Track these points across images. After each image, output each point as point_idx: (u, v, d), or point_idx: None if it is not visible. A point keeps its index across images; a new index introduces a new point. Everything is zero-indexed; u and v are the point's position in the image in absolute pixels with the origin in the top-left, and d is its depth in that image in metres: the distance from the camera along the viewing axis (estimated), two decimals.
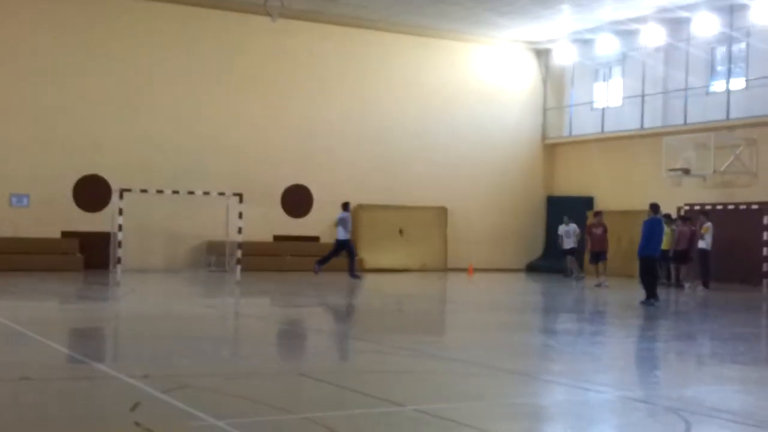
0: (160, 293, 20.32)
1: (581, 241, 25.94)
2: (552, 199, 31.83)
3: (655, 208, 18.19)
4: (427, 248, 29.92)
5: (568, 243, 26.48)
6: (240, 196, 25.39)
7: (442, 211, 30.46)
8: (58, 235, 25.64)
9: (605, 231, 24.24)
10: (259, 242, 27.43)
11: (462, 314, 17.42)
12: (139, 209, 25.26)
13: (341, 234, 24.10)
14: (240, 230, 24.98)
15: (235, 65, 27.95)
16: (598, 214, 24.93)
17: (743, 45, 26.62)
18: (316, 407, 7.38)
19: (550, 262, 29.76)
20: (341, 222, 24.13)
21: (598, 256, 23.85)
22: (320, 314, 16.88)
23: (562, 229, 26.67)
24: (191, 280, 23.56)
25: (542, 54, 32.53)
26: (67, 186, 25.77)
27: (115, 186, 25.23)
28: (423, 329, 14.26)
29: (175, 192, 25.52)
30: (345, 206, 24.33)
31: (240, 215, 25.02)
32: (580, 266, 26.56)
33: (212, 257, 26.82)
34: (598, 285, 22.87)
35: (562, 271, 27.59)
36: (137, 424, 6.64)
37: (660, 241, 18.42)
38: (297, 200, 28.66)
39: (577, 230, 26.41)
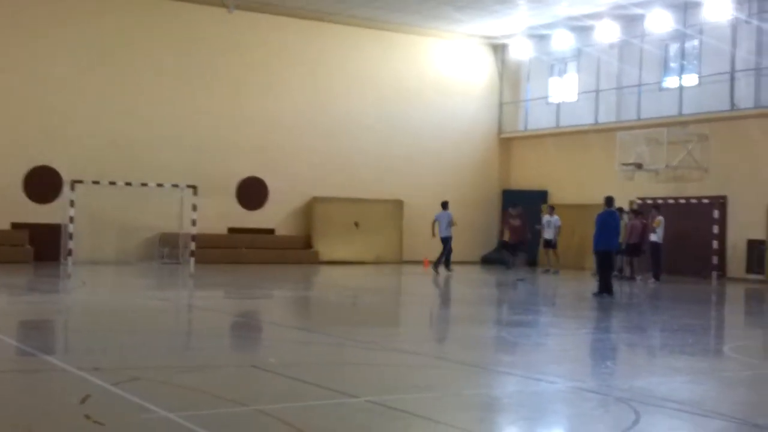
0: (112, 285, 20.09)
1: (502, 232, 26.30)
2: (507, 192, 32.03)
3: (609, 201, 18.30)
4: (383, 241, 29.94)
5: (548, 233, 26.78)
6: (194, 188, 25.20)
7: (398, 204, 30.49)
8: (7, 226, 25.19)
9: (524, 223, 24.58)
10: (214, 234, 27.24)
11: (417, 307, 17.46)
12: (91, 201, 24.97)
13: (442, 231, 25.50)
14: (194, 222, 24.79)
15: (191, 56, 27.67)
16: (515, 206, 25.22)
17: (696, 42, 26.99)
18: (268, 399, 7.36)
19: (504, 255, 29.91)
20: (441, 219, 25.61)
21: (515, 247, 24.07)
22: (275, 307, 16.81)
23: (545, 219, 26.97)
24: (144, 273, 23.32)
25: (498, 49, 32.69)
26: (17, 177, 25.33)
27: (66, 177, 24.90)
28: (377, 322, 14.27)
29: (128, 184, 25.27)
30: (444, 205, 26.04)
31: (194, 207, 24.82)
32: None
33: (165, 249, 26.56)
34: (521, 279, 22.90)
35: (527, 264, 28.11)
36: (87, 417, 6.57)
37: (615, 234, 18.48)
38: (252, 192, 28.49)
39: (559, 222, 26.73)
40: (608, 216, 18.07)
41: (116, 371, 8.26)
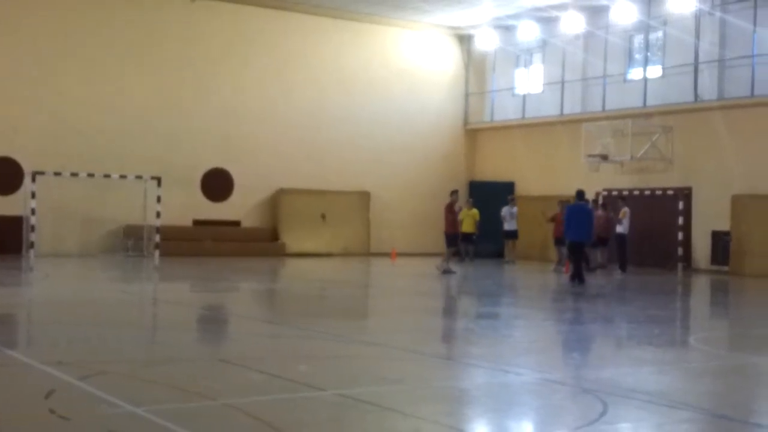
0: (75, 278, 19.85)
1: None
2: (474, 183, 32.10)
3: (580, 194, 19.00)
4: (350, 233, 29.88)
5: (510, 225, 26.87)
6: (158, 179, 24.95)
7: (365, 196, 30.44)
8: None
9: (453, 213, 22.80)
10: (178, 227, 26.99)
11: (385, 299, 17.45)
12: (52, 192, 24.65)
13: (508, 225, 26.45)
14: (158, 214, 24.56)
15: (154, 46, 27.37)
16: (454, 193, 23.39)
17: (660, 33, 27.20)
18: (236, 393, 7.29)
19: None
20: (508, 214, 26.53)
21: (455, 239, 22.86)
22: (241, 300, 16.71)
23: (505, 210, 27.03)
24: (108, 265, 23.07)
25: (464, 40, 32.71)
26: None
27: (27, 168, 24.51)
28: (345, 314, 14.23)
29: (91, 175, 24.96)
30: (511, 200, 26.91)
31: (158, 199, 24.59)
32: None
33: (129, 242, 26.28)
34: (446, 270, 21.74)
35: (492, 256, 28.20)
36: (52, 411, 6.50)
37: (585, 225, 18.78)
38: (217, 184, 28.23)
39: (516, 212, 26.89)
40: (579, 208, 18.64)
41: (81, 365, 8.16)
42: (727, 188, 24.72)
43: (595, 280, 21.49)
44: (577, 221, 18.42)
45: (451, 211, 22.25)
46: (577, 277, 18.69)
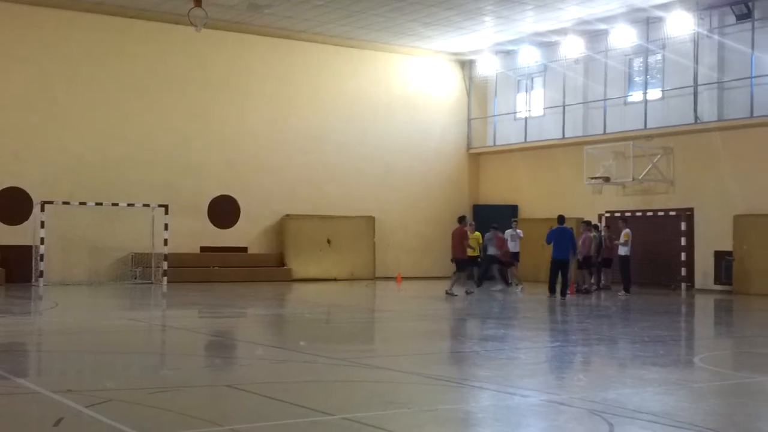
0: (84, 306, 19.92)
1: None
2: (478, 207, 32.22)
3: (561, 219, 21.97)
4: (355, 257, 29.99)
5: (513, 247, 26.84)
6: (165, 207, 25.15)
7: (370, 221, 30.57)
8: None
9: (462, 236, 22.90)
10: (186, 254, 27.15)
11: (390, 323, 17.50)
12: (61, 222, 24.83)
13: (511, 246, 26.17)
14: (166, 242, 24.74)
15: (159, 75, 27.64)
16: (463, 219, 23.58)
17: (659, 57, 27.40)
18: (243, 419, 7.35)
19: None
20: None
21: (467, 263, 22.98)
22: (248, 325, 16.78)
23: (508, 233, 27.01)
24: (116, 293, 23.16)
25: (466, 65, 32.96)
26: None
27: (36, 198, 24.74)
28: (351, 338, 14.28)
29: (99, 204, 25.17)
30: (514, 223, 26.70)
31: (166, 227, 24.79)
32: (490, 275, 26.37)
33: (138, 269, 26.43)
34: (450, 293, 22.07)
35: (492, 279, 28.06)
36: None
37: (568, 246, 21.56)
38: (224, 211, 28.44)
39: (521, 235, 26.80)
40: (560, 231, 21.57)
41: (89, 393, 8.21)
42: (728, 208, 24.81)
43: (588, 300, 21.65)
44: (559, 242, 21.33)
45: (465, 236, 22.47)
46: (551, 289, 21.58)
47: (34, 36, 25.92)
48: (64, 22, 26.28)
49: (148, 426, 6.95)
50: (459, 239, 22.48)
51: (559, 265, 21.48)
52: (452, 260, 22.87)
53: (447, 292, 22.04)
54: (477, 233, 26.74)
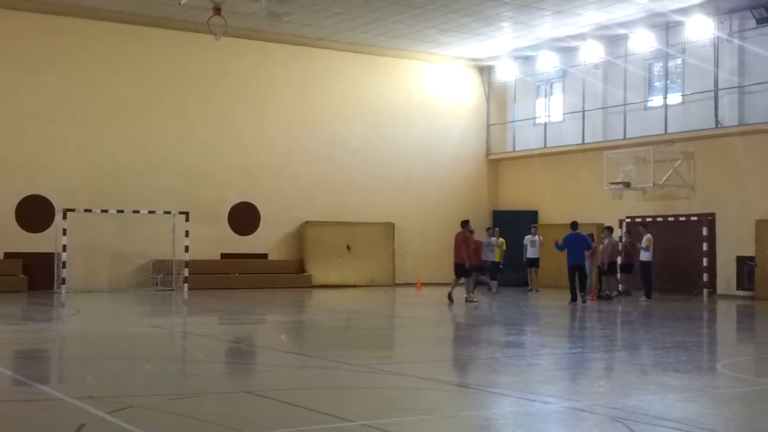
0: (105, 313, 20.05)
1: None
2: (497, 213, 32.16)
3: (574, 225, 22.08)
4: (375, 264, 30.00)
5: (532, 252, 26.91)
6: (186, 214, 25.30)
7: (389, 227, 30.58)
8: (0, 256, 25.17)
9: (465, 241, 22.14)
10: (207, 260, 27.26)
11: (410, 329, 17.49)
12: (83, 229, 25.02)
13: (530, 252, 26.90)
14: (187, 249, 24.87)
15: (179, 83, 27.79)
16: (466, 223, 22.73)
17: (679, 61, 27.28)
18: (264, 425, 7.38)
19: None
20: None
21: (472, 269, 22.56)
22: (268, 331, 16.82)
23: (527, 239, 27.08)
24: (137, 300, 23.29)
25: (485, 71, 32.93)
26: (9, 206, 25.33)
27: (58, 206, 24.94)
28: (371, 344, 14.29)
29: (120, 211, 25.34)
30: (533, 229, 27.20)
31: (186, 234, 24.92)
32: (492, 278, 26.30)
33: (159, 276, 26.57)
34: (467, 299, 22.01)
35: (515, 284, 28.21)
36: None
37: (582, 251, 21.76)
38: (244, 218, 28.55)
39: (541, 240, 26.88)
40: (574, 236, 21.78)
41: (111, 400, 8.26)
42: (750, 213, 24.64)
43: (609, 306, 21.57)
44: (573, 247, 21.62)
45: (467, 241, 22.06)
46: (572, 296, 21.53)
47: (54, 45, 26.15)
48: (84, 32, 26.48)
49: None
50: (461, 244, 22.04)
51: (575, 271, 21.74)
52: (467, 266, 22.01)
53: (467, 300, 21.98)
54: (501, 239, 26.82)
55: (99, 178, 26.28)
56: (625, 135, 28.27)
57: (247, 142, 28.72)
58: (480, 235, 25.80)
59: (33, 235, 25.45)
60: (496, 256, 26.38)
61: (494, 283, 26.23)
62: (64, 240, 24.11)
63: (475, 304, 21.61)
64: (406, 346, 14.63)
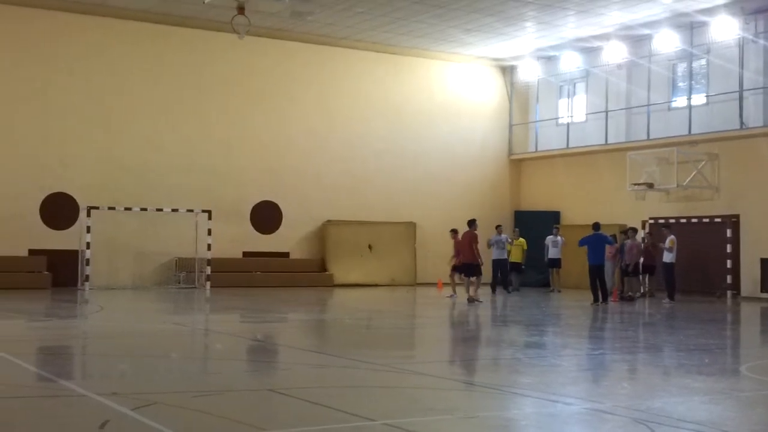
0: (128, 310, 20.18)
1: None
2: (519, 213, 32.08)
3: (596, 226, 22.23)
4: (396, 263, 30.01)
5: (554, 253, 26.87)
6: (209, 212, 25.43)
7: (411, 227, 30.57)
8: (25, 253, 25.39)
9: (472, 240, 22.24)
10: (229, 258, 27.38)
11: (432, 328, 17.48)
12: (106, 227, 25.19)
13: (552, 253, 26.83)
14: (209, 247, 25.00)
15: (203, 82, 27.93)
16: (473, 222, 22.59)
17: (704, 61, 27.09)
18: (286, 423, 7.40)
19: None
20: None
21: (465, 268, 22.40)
22: (290, 330, 16.87)
23: (549, 239, 27.04)
24: (160, 297, 23.43)
25: (507, 71, 32.86)
26: (33, 204, 25.55)
27: (82, 204, 25.14)
28: (393, 344, 14.30)
29: (143, 209, 25.52)
30: (555, 230, 27.23)
31: (209, 232, 25.05)
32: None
33: (181, 274, 26.72)
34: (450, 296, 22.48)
35: (537, 285, 28.18)
36: None
37: (602, 251, 21.94)
38: (266, 217, 28.65)
39: (564, 241, 26.82)
40: (596, 237, 21.89)
41: (134, 396, 8.31)
42: None
43: (632, 307, 21.47)
44: (594, 248, 21.71)
45: (475, 240, 22.09)
46: (594, 297, 21.52)
47: (79, 44, 26.35)
48: (108, 31, 26.67)
49: (192, 429, 7.03)
50: (468, 243, 21.96)
51: (595, 271, 21.80)
52: (470, 265, 22.05)
53: (474, 301, 21.81)
54: (522, 239, 26.79)
55: (123, 176, 26.45)
56: (648, 136, 28.11)
57: (269, 141, 28.81)
58: (489, 234, 25.78)
59: (57, 233, 25.66)
60: (512, 256, 26.42)
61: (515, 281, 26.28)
62: (88, 237, 24.30)
63: (480, 303, 21.61)
64: (427, 345, 14.62)
